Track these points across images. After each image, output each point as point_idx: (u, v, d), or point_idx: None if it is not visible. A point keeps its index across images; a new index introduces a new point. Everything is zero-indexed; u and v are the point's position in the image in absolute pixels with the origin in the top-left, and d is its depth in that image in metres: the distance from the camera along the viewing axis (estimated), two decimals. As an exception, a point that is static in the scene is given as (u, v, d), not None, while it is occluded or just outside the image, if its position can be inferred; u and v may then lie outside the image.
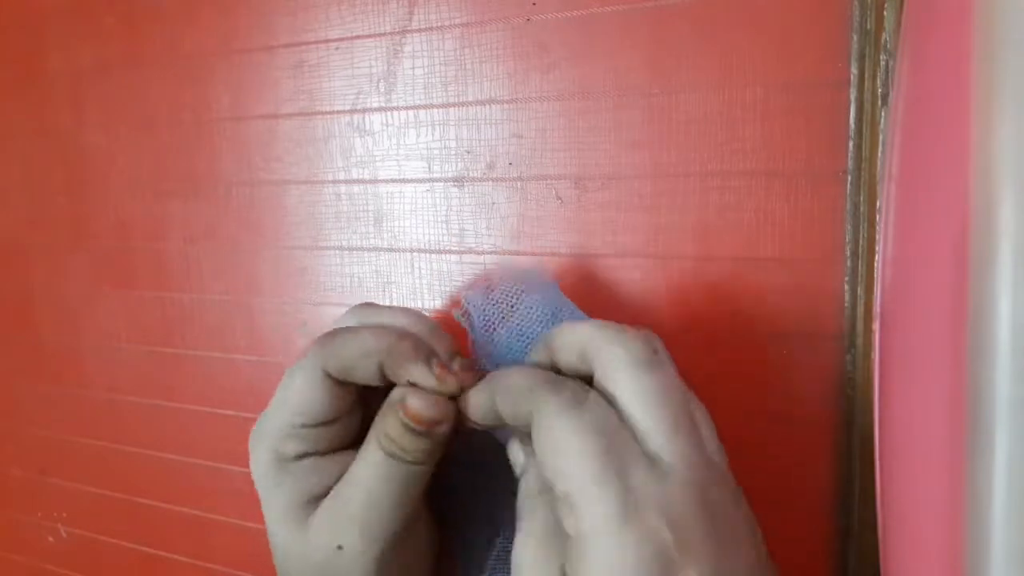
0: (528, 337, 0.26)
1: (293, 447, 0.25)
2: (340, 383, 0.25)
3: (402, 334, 0.25)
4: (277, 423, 0.25)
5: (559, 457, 0.20)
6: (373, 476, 0.23)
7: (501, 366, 0.25)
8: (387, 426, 0.24)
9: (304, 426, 0.25)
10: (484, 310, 0.26)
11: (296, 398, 0.25)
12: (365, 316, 0.28)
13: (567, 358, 0.24)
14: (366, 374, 0.25)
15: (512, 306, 0.26)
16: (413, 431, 0.23)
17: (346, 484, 0.24)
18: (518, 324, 0.26)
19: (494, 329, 0.26)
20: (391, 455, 0.23)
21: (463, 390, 0.24)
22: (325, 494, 0.25)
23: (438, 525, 0.28)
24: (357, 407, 0.27)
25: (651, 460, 0.20)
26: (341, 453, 0.26)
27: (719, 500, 0.20)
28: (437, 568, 0.28)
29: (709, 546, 0.19)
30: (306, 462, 0.25)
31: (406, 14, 0.39)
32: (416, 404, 0.23)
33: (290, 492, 0.24)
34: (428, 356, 0.25)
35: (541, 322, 0.26)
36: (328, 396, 0.25)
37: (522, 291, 0.26)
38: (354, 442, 0.26)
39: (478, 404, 0.24)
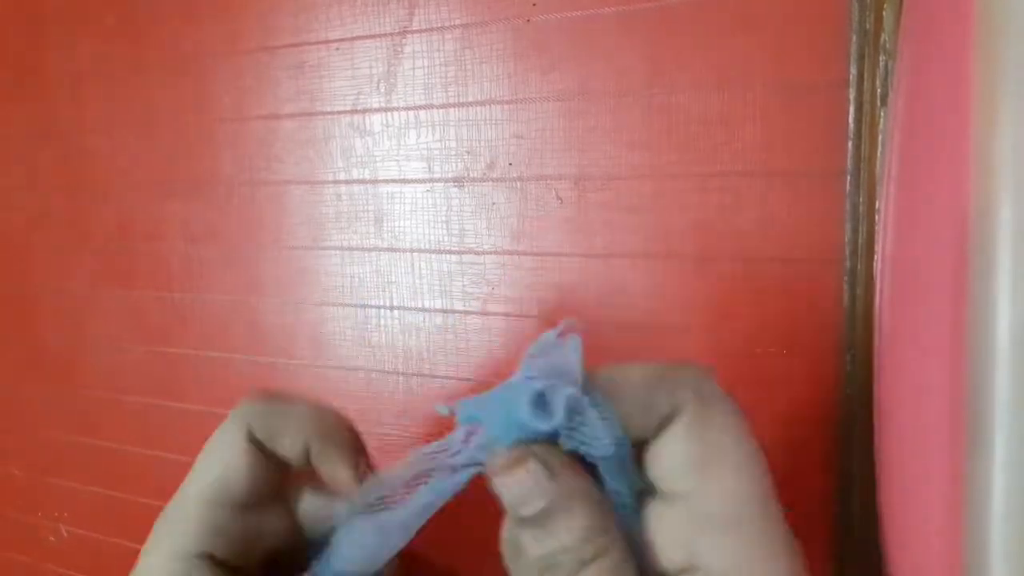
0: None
1: (203, 542, 0.21)
2: (265, 454, 0.22)
3: (341, 421, 0.23)
4: (190, 505, 0.22)
5: (717, 468, 0.17)
6: None
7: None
8: None
9: (223, 506, 0.21)
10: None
11: (217, 464, 0.22)
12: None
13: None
14: (292, 449, 0.22)
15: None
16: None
17: None
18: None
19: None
20: None
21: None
22: None
23: None
24: (281, 507, 0.23)
25: None
26: None
27: None
28: None
29: None
30: (207, 571, 0.21)
31: (406, 15, 0.39)
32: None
33: None
34: (358, 459, 0.23)
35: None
36: (251, 464, 0.22)
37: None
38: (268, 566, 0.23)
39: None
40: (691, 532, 0.17)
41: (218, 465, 0.22)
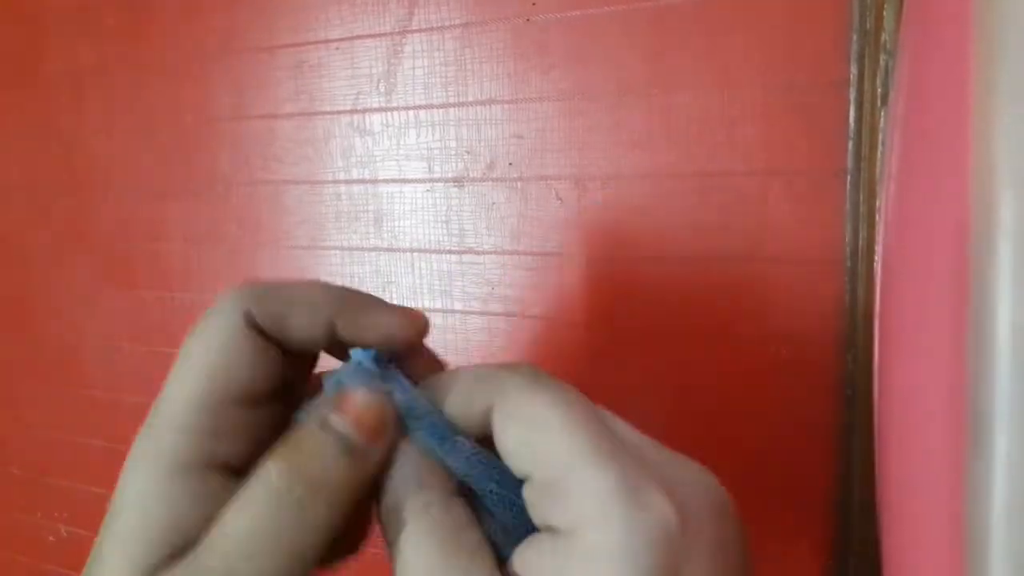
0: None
1: (200, 446, 0.18)
2: (266, 339, 0.19)
3: (370, 296, 0.20)
4: (178, 408, 0.18)
5: (539, 435, 0.16)
6: (264, 524, 0.16)
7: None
8: (300, 445, 0.17)
9: (221, 404, 0.18)
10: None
11: (209, 354, 0.18)
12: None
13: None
14: (308, 330, 0.19)
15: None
16: (346, 447, 0.17)
17: (219, 536, 0.16)
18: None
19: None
20: (299, 494, 0.16)
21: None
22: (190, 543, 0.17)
23: None
24: (277, 405, 0.20)
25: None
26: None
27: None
28: None
29: (708, 533, 0.17)
30: (212, 481, 0.18)
31: (406, 14, 0.39)
32: (363, 399, 0.18)
33: (156, 527, 0.17)
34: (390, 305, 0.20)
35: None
36: (251, 351, 0.18)
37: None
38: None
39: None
40: (544, 506, 0.17)
41: (212, 354, 0.19)
